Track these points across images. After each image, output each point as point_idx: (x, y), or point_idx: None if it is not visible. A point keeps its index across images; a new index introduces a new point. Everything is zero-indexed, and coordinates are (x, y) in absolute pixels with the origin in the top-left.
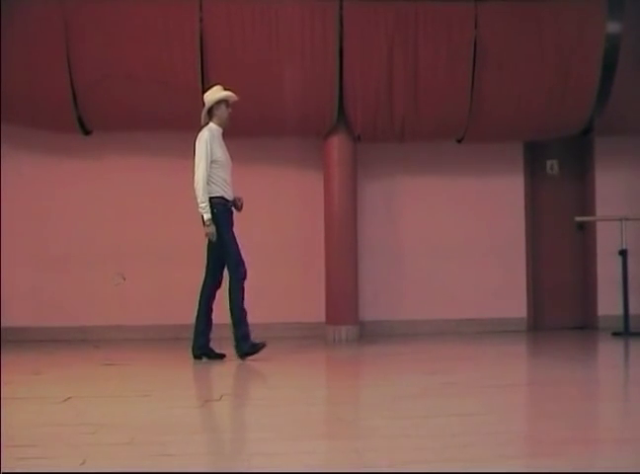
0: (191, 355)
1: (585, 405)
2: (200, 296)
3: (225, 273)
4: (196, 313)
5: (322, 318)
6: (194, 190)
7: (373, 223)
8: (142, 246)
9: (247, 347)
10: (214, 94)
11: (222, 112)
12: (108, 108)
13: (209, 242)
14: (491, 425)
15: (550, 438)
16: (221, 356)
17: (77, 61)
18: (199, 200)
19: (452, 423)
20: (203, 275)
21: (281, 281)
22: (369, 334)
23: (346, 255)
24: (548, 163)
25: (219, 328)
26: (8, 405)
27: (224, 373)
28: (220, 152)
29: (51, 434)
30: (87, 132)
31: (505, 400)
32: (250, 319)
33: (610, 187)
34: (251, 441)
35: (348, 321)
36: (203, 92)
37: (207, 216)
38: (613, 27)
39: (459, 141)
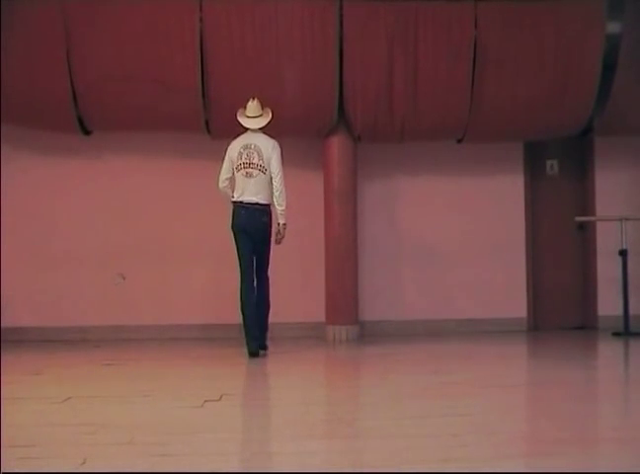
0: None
1: (584, 405)
2: (252, 297)
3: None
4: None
5: (322, 318)
6: (277, 196)
7: (373, 223)
8: (142, 246)
9: None
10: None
11: None
12: (108, 108)
13: (255, 243)
14: (491, 425)
15: (550, 438)
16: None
17: (77, 61)
18: (285, 206)
19: (452, 423)
20: (242, 276)
21: (282, 282)
22: (369, 334)
23: (346, 255)
24: (548, 163)
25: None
26: (8, 405)
27: (224, 373)
28: None
29: (51, 434)
30: (87, 132)
31: (505, 400)
32: None
33: (610, 187)
34: (251, 441)
35: (348, 321)
36: (204, 92)
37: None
38: (613, 27)
39: (459, 141)
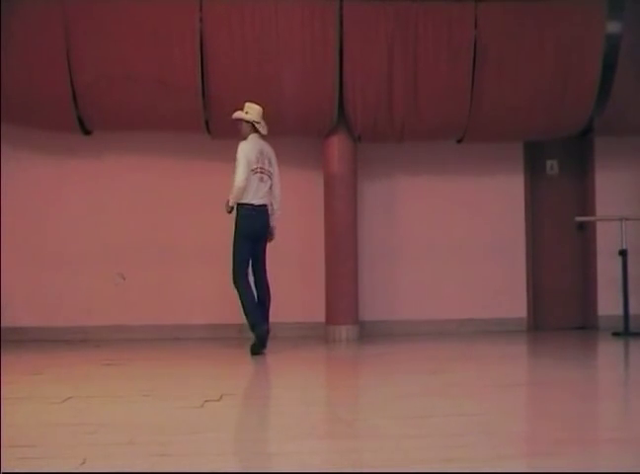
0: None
1: (584, 405)
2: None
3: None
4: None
5: (322, 318)
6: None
7: (373, 223)
8: (142, 246)
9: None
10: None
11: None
12: (108, 108)
13: (256, 243)
14: (491, 425)
15: (550, 438)
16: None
17: (77, 61)
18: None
19: (452, 423)
20: (240, 274)
21: (282, 282)
22: (369, 334)
23: (346, 255)
24: (548, 163)
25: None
26: (8, 405)
27: (224, 373)
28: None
29: (51, 434)
30: (87, 132)
31: (505, 400)
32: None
33: (610, 187)
34: (251, 441)
35: (348, 321)
36: (204, 92)
37: None
38: (613, 27)
39: (459, 141)
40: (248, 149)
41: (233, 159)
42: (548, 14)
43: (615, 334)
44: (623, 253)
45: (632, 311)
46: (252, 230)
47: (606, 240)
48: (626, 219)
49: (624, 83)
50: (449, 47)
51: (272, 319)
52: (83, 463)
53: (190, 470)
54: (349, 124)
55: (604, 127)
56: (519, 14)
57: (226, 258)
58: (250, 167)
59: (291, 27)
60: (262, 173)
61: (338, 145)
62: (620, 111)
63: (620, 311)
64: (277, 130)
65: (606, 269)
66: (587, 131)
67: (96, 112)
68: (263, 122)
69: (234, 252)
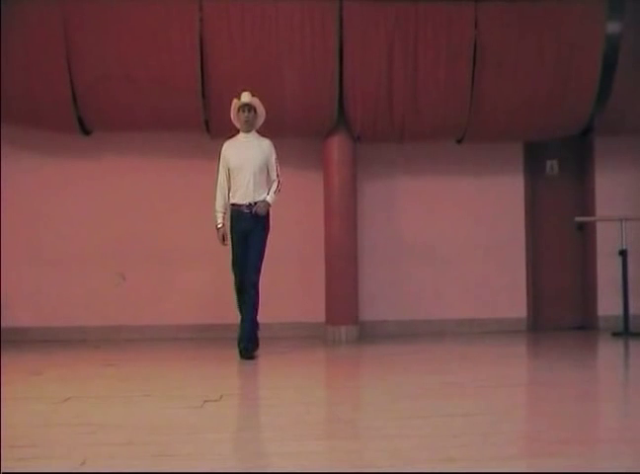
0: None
1: (585, 405)
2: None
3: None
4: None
5: (322, 318)
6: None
7: (373, 223)
8: (142, 246)
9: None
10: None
11: (235, 117)
12: (108, 108)
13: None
14: (491, 425)
15: (550, 438)
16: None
17: (77, 61)
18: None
19: (452, 423)
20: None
21: (282, 282)
22: (369, 334)
23: (346, 255)
24: (548, 163)
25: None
26: (8, 405)
27: (224, 373)
28: (232, 159)
29: (51, 434)
30: (87, 132)
31: (505, 400)
32: None
33: (610, 187)
34: (251, 441)
35: (348, 321)
36: (203, 92)
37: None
38: (613, 27)
39: (459, 141)
40: None
41: None
42: (548, 14)
43: (615, 334)
44: (623, 253)
45: (632, 311)
46: None
47: (606, 240)
48: (626, 219)
49: (624, 83)
50: (449, 47)
51: (271, 319)
52: (83, 463)
53: (190, 470)
54: (348, 125)
55: (604, 127)
56: (519, 14)
57: (225, 258)
58: None
59: (291, 27)
60: None
61: (338, 145)
62: (620, 111)
63: (620, 311)
64: (277, 131)
65: (606, 269)
66: (587, 131)
67: (96, 112)
68: None
69: (265, 249)
